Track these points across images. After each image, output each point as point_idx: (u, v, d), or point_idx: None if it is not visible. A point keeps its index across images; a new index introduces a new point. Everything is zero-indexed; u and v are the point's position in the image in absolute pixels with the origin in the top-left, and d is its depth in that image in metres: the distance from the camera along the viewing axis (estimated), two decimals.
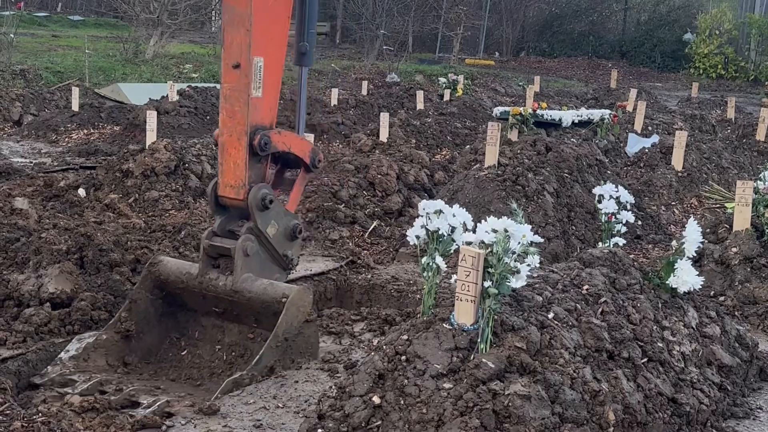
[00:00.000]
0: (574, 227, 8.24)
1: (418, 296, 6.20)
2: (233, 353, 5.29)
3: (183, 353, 5.39)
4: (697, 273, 4.87)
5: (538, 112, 13.22)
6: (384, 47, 30.30)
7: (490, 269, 3.71)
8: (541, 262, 4.55)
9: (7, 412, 4.11)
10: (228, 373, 5.06)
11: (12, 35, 20.32)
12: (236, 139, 5.13)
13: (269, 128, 5.25)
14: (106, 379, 4.80)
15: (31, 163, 11.73)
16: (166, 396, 4.61)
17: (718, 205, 9.49)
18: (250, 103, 5.09)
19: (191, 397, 4.72)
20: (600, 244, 5.55)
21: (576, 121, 14.10)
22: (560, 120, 13.82)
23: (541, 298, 4.16)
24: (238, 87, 5.10)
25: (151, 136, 9.78)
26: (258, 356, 4.86)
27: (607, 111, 14.35)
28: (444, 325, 3.83)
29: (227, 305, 5.25)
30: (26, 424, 4.01)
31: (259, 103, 5.17)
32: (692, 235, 4.87)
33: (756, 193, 7.09)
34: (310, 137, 9.26)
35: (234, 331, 5.31)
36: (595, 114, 14.25)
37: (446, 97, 17.88)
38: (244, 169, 5.12)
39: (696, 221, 4.99)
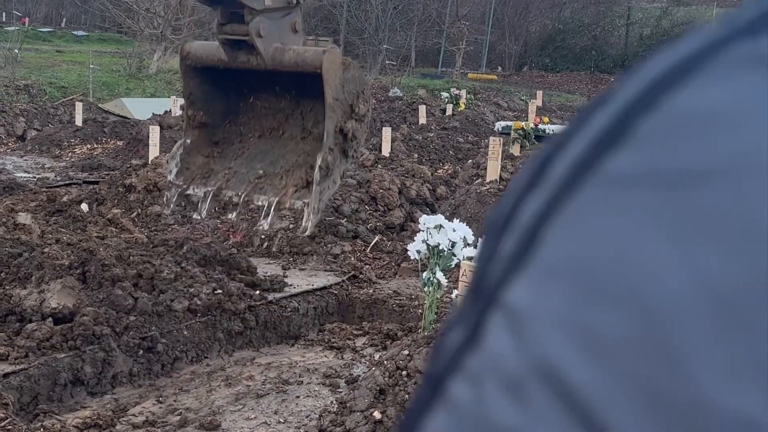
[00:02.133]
0: None
1: (419, 311, 6.20)
2: (293, 91, 5.86)
3: (250, 101, 6.04)
4: None
5: (540, 126, 13.23)
6: (386, 62, 30.37)
7: None
8: None
9: (9, 428, 4.11)
10: (298, 111, 5.79)
11: (16, 50, 20.39)
12: None
13: None
14: (218, 189, 5.55)
15: (35, 178, 11.76)
16: (273, 191, 5.56)
17: None
18: None
19: (293, 180, 5.60)
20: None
21: None
22: None
23: None
24: None
25: (153, 151, 9.79)
26: (325, 133, 5.34)
27: None
28: None
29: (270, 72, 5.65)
30: None
31: None
32: None
33: None
34: None
35: (284, 78, 5.75)
36: None
37: (448, 112, 17.90)
38: None
39: None
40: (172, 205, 5.68)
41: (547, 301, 0.39)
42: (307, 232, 5.08)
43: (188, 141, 5.98)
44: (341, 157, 5.50)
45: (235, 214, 5.51)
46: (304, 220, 5.13)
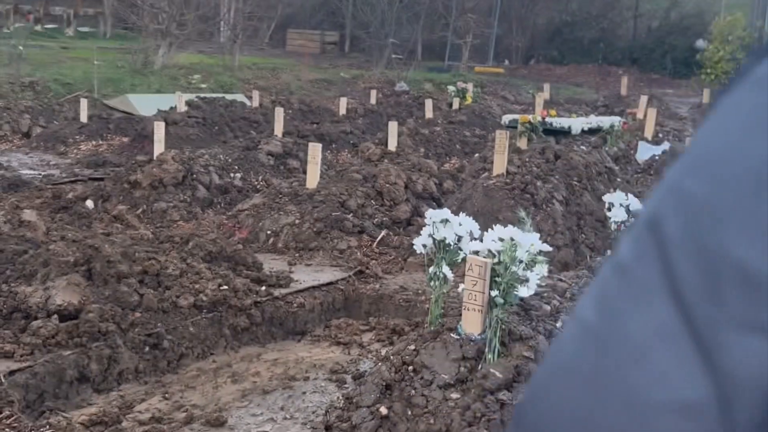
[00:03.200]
0: (583, 235, 8.19)
1: (426, 306, 6.17)
2: None
3: None
4: None
5: (547, 120, 13.17)
6: (393, 56, 30.30)
7: (497, 278, 3.68)
8: (550, 271, 4.52)
9: (15, 425, 4.11)
10: None
11: (21, 47, 20.39)
12: None
13: None
14: None
15: (40, 174, 11.74)
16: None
17: None
18: None
19: None
20: (610, 252, 5.52)
21: (585, 128, 14.03)
22: (569, 128, 13.76)
23: (549, 307, 4.13)
24: None
25: (159, 147, 9.78)
26: None
27: (617, 118, 14.26)
28: (451, 335, 3.80)
29: None
30: None
31: None
32: None
33: None
34: (318, 146, 9.25)
35: None
36: (605, 121, 14.18)
37: (455, 106, 17.84)
38: None
39: None
40: None
41: (670, 167, 0.57)
42: None
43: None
44: None
45: None
46: None
